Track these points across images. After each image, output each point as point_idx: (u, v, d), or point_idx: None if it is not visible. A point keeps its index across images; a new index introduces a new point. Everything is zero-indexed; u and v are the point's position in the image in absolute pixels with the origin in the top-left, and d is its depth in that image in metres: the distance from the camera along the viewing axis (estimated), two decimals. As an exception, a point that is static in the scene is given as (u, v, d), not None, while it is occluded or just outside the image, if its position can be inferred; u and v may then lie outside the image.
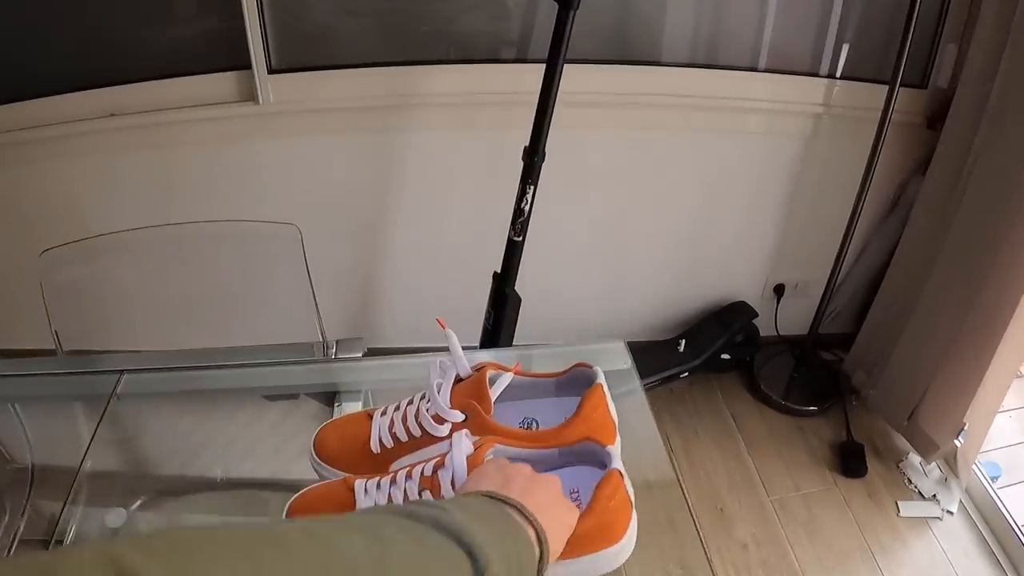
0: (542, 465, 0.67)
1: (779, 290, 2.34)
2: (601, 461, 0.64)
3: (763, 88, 2.00)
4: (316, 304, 1.17)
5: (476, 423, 0.68)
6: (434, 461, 0.63)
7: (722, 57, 2.00)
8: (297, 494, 0.70)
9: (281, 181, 2.00)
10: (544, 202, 1.66)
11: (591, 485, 0.63)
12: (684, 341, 2.23)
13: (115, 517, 0.90)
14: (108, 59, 1.96)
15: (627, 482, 0.65)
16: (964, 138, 1.80)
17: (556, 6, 1.46)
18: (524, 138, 1.59)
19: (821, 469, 2.12)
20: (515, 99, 1.79)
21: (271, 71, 1.89)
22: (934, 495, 2.06)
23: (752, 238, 2.25)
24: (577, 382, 0.73)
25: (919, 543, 1.97)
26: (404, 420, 0.72)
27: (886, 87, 1.84)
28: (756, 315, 2.27)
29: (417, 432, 0.70)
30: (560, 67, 1.52)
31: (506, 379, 0.71)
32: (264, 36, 1.85)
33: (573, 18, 1.47)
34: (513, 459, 0.61)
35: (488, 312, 1.79)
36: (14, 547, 0.90)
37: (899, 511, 2.02)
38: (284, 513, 0.69)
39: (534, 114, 1.58)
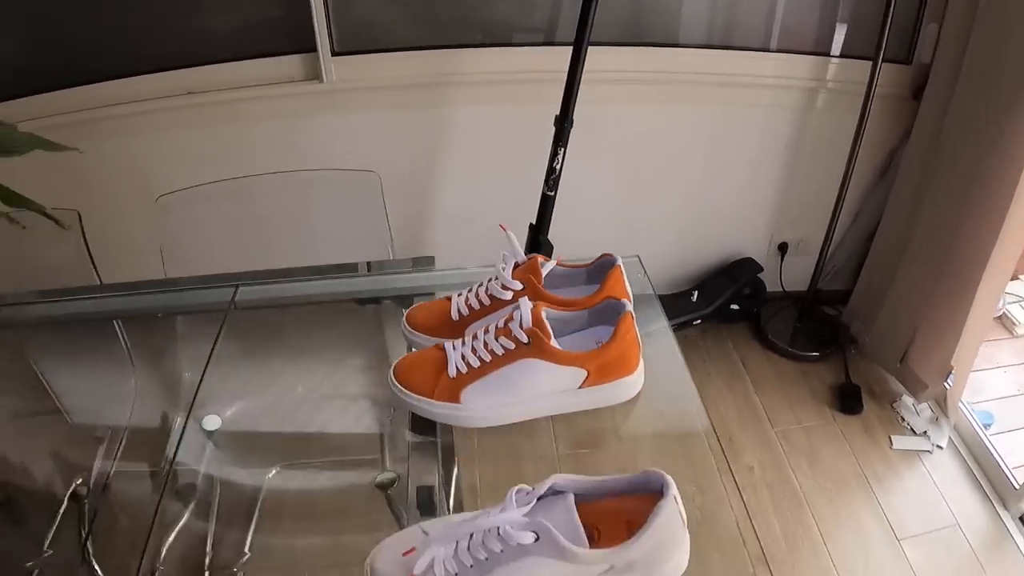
0: (576, 323, 0.94)
1: (783, 248, 2.58)
2: (617, 312, 0.90)
3: (768, 66, 2.24)
4: (390, 231, 1.43)
5: (531, 292, 0.94)
6: (505, 317, 0.90)
7: (728, 38, 2.24)
8: (399, 359, 0.96)
9: (341, 151, 2.26)
10: (571, 164, 1.92)
11: (611, 332, 0.89)
12: (697, 292, 2.48)
13: (211, 421, 1.09)
14: (186, 43, 2.23)
15: (636, 328, 0.91)
16: (940, 106, 2.03)
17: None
18: (553, 110, 1.85)
19: (821, 407, 2.35)
20: (546, 77, 2.03)
21: (334, 54, 2.16)
22: (925, 432, 2.27)
23: (757, 200, 2.49)
24: (602, 269, 0.99)
25: (910, 473, 2.18)
26: (477, 294, 0.98)
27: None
28: (761, 269, 2.51)
29: (487, 301, 0.97)
30: (585, 49, 1.78)
31: (551, 264, 0.98)
32: (328, 22, 2.12)
33: (596, 5, 1.72)
34: (550, 320, 0.87)
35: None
36: (120, 450, 1.16)
37: (892, 444, 2.24)
38: (391, 372, 0.95)
39: (563, 88, 1.84)
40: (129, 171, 2.21)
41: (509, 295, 0.95)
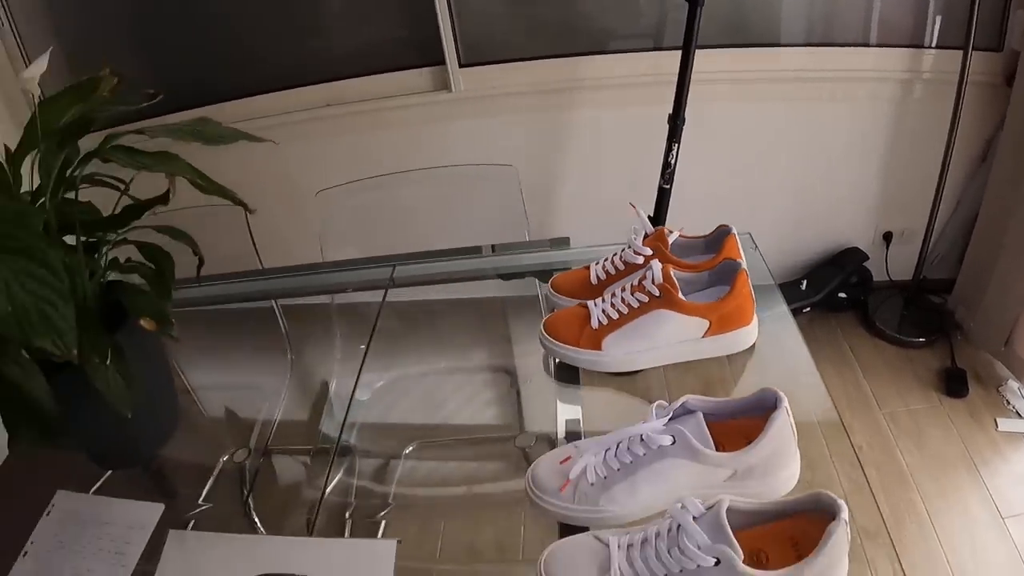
0: (697, 284, 1.10)
1: (887, 237, 2.65)
2: (733, 271, 1.06)
3: (866, 60, 2.35)
4: (527, 218, 1.61)
5: (660, 257, 1.11)
6: (639, 276, 1.07)
7: (828, 34, 2.36)
8: (546, 316, 1.15)
9: (470, 154, 2.48)
10: (683, 159, 2.08)
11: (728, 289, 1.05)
12: (805, 282, 2.58)
13: (363, 391, 1.26)
14: (329, 61, 2.50)
15: (750, 283, 1.07)
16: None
17: (686, 4, 1.88)
18: (664, 110, 2.01)
19: (927, 391, 2.40)
20: (656, 80, 2.20)
21: (461, 65, 2.38)
22: None
23: (860, 191, 2.57)
24: (719, 239, 1.15)
25: (1016, 455, 2.20)
26: (612, 261, 1.16)
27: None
28: (867, 258, 2.59)
29: (621, 267, 1.14)
30: (692, 52, 1.93)
31: (675, 235, 1.15)
32: (454, 35, 2.34)
33: (700, 12, 1.88)
34: (679, 280, 1.04)
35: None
36: (275, 427, 1.33)
37: (997, 427, 2.27)
38: (541, 327, 1.14)
39: (674, 89, 2.00)
40: (287, 172, 2.48)
41: (641, 259, 1.12)
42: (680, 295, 1.02)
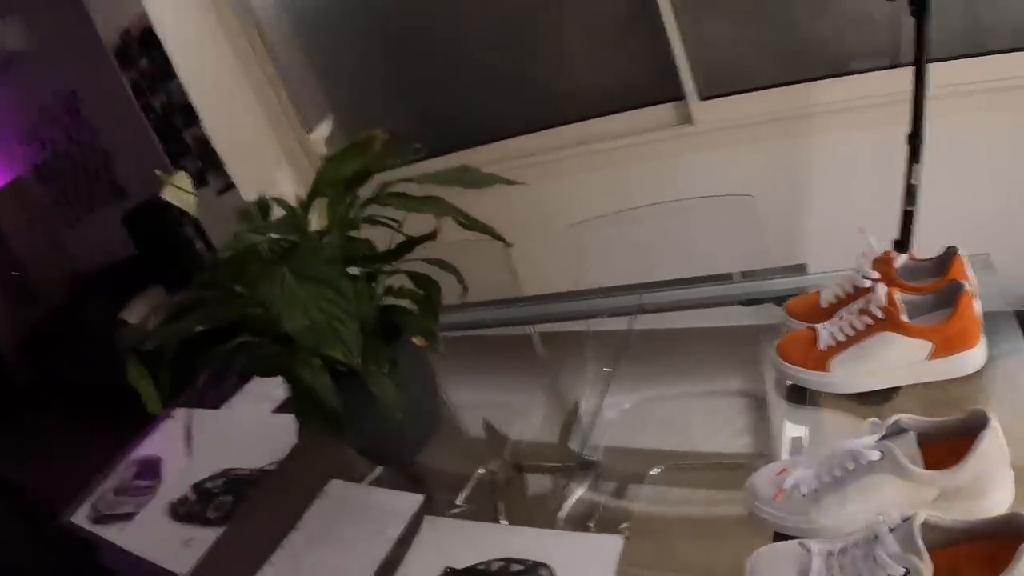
0: (923, 307, 1.15)
1: None
2: (957, 291, 1.10)
3: None
4: (766, 243, 1.71)
5: (887, 280, 1.18)
6: (865, 299, 1.15)
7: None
8: (779, 338, 1.25)
9: (711, 184, 2.59)
10: (930, 179, 2.05)
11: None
12: None
13: (610, 413, 1.46)
14: (569, 101, 2.72)
15: (977, 303, 1.11)
16: None
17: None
18: (901, 129, 1.99)
19: None
20: (893, 99, 2.19)
21: (701, 98, 2.51)
22: None
23: None
24: (946, 260, 1.19)
25: None
26: (843, 285, 1.25)
27: None
28: None
29: (851, 290, 1.23)
30: (924, 68, 1.92)
31: (903, 258, 1.21)
32: (691, 71, 2.47)
33: (930, 26, 1.86)
34: (904, 303, 1.10)
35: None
36: (526, 443, 1.47)
37: None
38: (774, 349, 1.24)
39: (911, 109, 1.99)
40: (540, 207, 2.72)
41: (868, 283, 1.20)
42: (904, 317, 1.09)
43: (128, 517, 1.67)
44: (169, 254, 4.11)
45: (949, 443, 0.91)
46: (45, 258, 7.14)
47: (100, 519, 1.72)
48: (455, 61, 2.90)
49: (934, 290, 1.14)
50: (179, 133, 3.43)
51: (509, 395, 1.69)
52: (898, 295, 1.11)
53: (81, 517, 1.76)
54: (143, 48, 3.28)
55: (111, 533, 1.64)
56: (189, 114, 3.31)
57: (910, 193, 2.05)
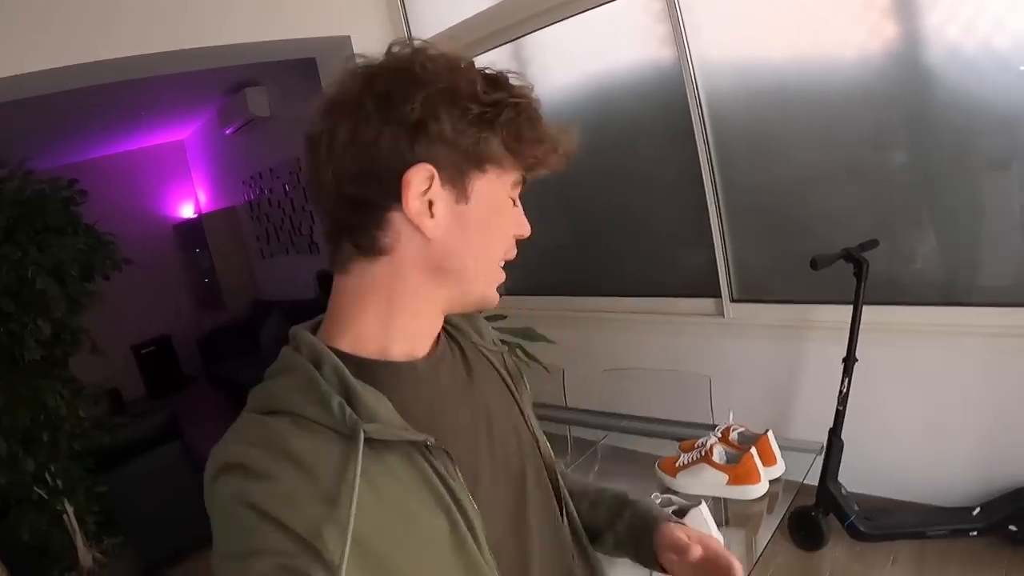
0: (735, 458, 2.05)
1: None
2: (747, 452, 1.99)
3: None
4: (712, 413, 2.63)
5: (724, 439, 2.09)
6: (703, 447, 2.06)
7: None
8: (662, 459, 2.17)
9: (730, 365, 3.47)
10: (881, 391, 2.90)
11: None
12: (979, 509, 3.00)
13: None
14: (639, 280, 3.75)
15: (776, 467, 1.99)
16: None
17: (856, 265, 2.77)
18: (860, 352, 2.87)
19: None
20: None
21: (732, 300, 3.45)
22: None
23: None
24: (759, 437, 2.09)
25: None
26: (708, 438, 2.17)
27: None
28: None
29: (710, 441, 2.15)
30: (859, 307, 2.80)
31: (740, 430, 2.11)
32: (728, 279, 3.42)
33: (866, 274, 2.75)
34: (725, 451, 2.00)
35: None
36: None
37: None
38: (657, 465, 2.16)
39: (848, 337, 2.86)
40: (589, 351, 3.73)
41: (712, 439, 2.11)
42: (715, 459, 2.00)
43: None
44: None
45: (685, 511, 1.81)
46: (237, 276, 8.54)
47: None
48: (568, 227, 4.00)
49: (743, 450, 2.04)
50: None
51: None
52: (717, 447, 2.02)
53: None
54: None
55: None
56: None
57: (842, 399, 2.91)
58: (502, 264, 0.98)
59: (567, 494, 1.15)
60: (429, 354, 0.97)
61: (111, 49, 3.28)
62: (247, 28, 3.62)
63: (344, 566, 0.72)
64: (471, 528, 0.86)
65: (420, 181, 0.86)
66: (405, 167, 0.85)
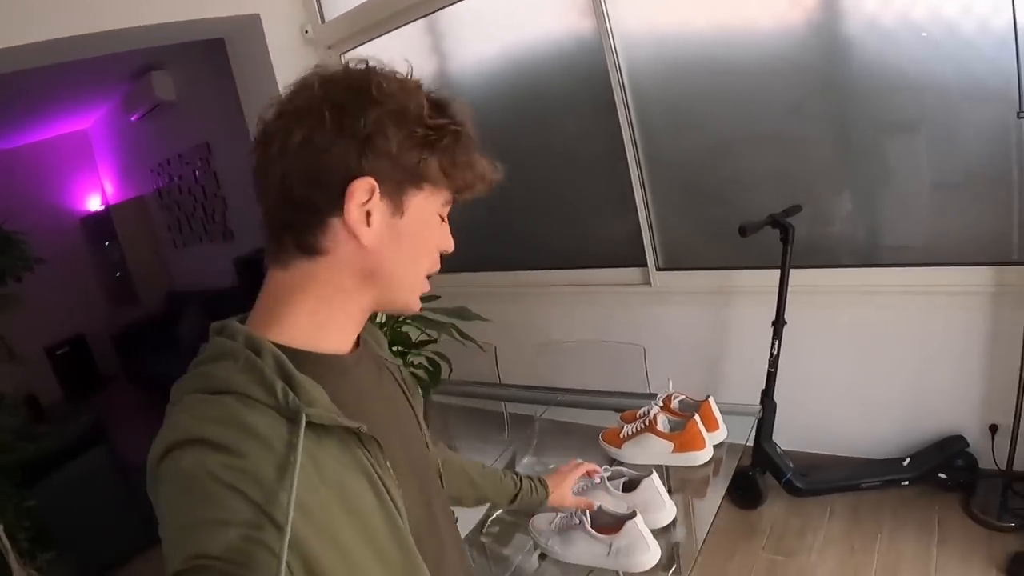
0: (679, 425, 2.07)
1: (993, 429, 3.05)
2: (691, 419, 2.01)
3: (956, 275, 2.92)
4: (648, 382, 2.64)
5: (666, 407, 2.11)
6: (646, 416, 2.07)
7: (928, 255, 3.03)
8: (605, 430, 2.18)
9: (657, 334, 3.52)
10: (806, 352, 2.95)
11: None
12: (909, 460, 3.16)
13: None
14: (564, 253, 3.74)
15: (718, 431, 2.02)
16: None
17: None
18: (767, 311, 2.93)
19: (989, 569, 2.72)
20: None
21: (658, 269, 3.48)
22: None
23: (968, 385, 3.05)
24: (701, 403, 2.11)
25: None
26: (649, 407, 2.18)
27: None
28: (967, 445, 3.06)
29: (651, 411, 2.16)
30: (786, 270, 2.87)
31: (681, 397, 2.13)
32: (654, 248, 3.46)
33: (792, 239, 2.81)
34: (668, 419, 2.02)
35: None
36: None
37: None
38: (601, 436, 2.17)
39: (777, 300, 2.92)
40: (521, 326, 3.73)
41: (655, 409, 2.12)
42: (660, 428, 2.01)
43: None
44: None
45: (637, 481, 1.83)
46: (150, 268, 8.30)
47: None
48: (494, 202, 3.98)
49: (686, 418, 2.06)
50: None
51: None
52: (661, 416, 2.04)
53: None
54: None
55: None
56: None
57: (772, 359, 2.98)
58: (427, 276, 1.05)
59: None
60: (352, 351, 1.04)
61: (6, 37, 3.11)
62: (151, 9, 3.46)
63: (288, 526, 0.75)
64: (399, 511, 0.94)
65: (362, 192, 0.92)
66: (350, 178, 0.92)
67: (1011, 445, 2.93)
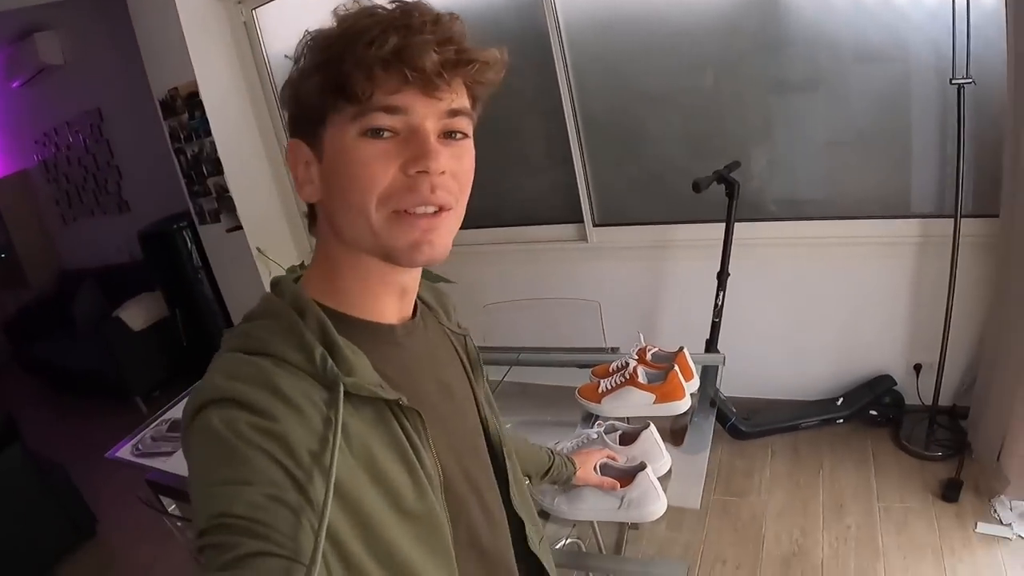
0: (657, 377, 2.09)
1: (918, 368, 3.27)
2: (671, 370, 2.04)
3: (881, 228, 3.10)
4: (604, 338, 2.65)
5: (641, 360, 2.12)
6: (625, 369, 2.09)
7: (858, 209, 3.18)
8: (581, 385, 2.18)
9: (597, 288, 3.54)
10: (746, 302, 3.01)
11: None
12: (842, 399, 3.34)
13: None
14: (501, 211, 3.72)
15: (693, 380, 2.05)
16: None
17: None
18: (715, 266, 2.99)
19: (925, 494, 2.93)
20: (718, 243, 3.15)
21: (595, 224, 3.50)
22: (1011, 524, 2.69)
23: (894, 328, 3.26)
24: (676, 354, 2.14)
25: (984, 552, 2.60)
26: (621, 361, 2.19)
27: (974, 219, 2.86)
28: (895, 383, 3.27)
29: (625, 364, 2.17)
30: (731, 224, 2.93)
31: (654, 349, 2.15)
32: (590, 204, 3.46)
33: (737, 195, 2.87)
34: (646, 371, 2.04)
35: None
36: None
37: (976, 527, 2.70)
38: (577, 392, 2.17)
39: (722, 253, 2.98)
40: (462, 285, 3.67)
41: (631, 362, 2.13)
42: (640, 380, 2.03)
43: (167, 454, 2.51)
44: (173, 271, 4.96)
45: (634, 434, 1.85)
46: (38, 247, 7.75)
47: (142, 455, 2.55)
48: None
49: (664, 369, 2.08)
50: (204, 178, 4.27)
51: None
52: (640, 369, 2.05)
53: (126, 453, 2.59)
54: (187, 106, 4.10)
55: (156, 462, 2.48)
56: (216, 166, 4.17)
57: (717, 311, 3.04)
58: (403, 209, 0.87)
59: (518, 475, 1.20)
60: (406, 321, 1.01)
61: None
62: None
63: (327, 512, 0.73)
64: (433, 487, 0.91)
65: (289, 156, 0.93)
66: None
67: (936, 382, 3.12)
